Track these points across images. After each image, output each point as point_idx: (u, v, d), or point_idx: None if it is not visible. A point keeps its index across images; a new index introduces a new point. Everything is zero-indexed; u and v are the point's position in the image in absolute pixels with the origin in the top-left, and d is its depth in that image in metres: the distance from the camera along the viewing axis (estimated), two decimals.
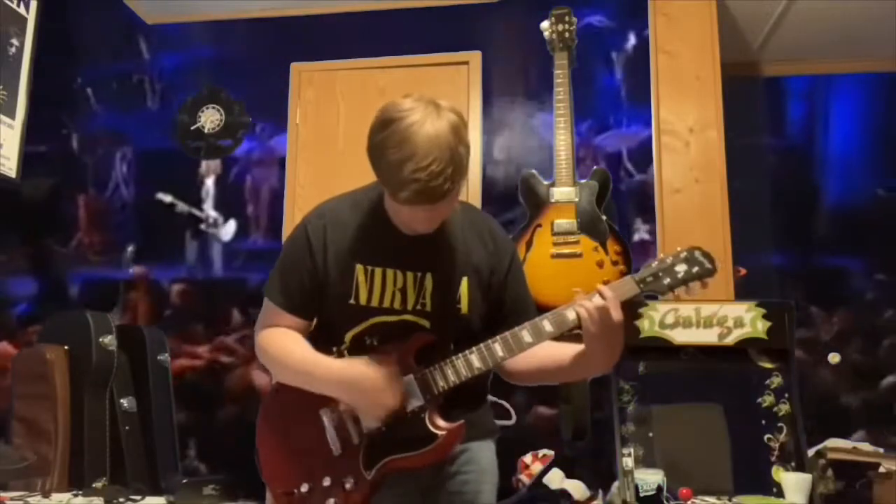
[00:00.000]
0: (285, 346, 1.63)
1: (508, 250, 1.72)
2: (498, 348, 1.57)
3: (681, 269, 1.55)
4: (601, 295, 1.51)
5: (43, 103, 2.91)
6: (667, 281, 1.55)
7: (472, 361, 1.57)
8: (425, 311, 1.61)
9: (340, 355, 1.62)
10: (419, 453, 1.55)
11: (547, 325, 1.56)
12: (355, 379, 1.54)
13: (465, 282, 1.63)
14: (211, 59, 3.68)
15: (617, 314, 1.49)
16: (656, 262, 1.56)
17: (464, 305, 1.63)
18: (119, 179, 3.08)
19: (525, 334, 1.56)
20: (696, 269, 1.54)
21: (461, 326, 1.63)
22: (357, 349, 1.62)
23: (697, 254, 1.56)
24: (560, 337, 1.59)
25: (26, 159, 2.85)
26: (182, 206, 3.09)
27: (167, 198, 3.04)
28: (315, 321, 1.68)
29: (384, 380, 1.53)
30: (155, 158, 3.14)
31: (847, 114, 3.78)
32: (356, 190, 1.71)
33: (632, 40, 3.25)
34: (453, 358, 1.57)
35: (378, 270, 1.61)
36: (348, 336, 1.62)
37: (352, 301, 1.60)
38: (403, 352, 1.58)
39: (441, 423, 1.56)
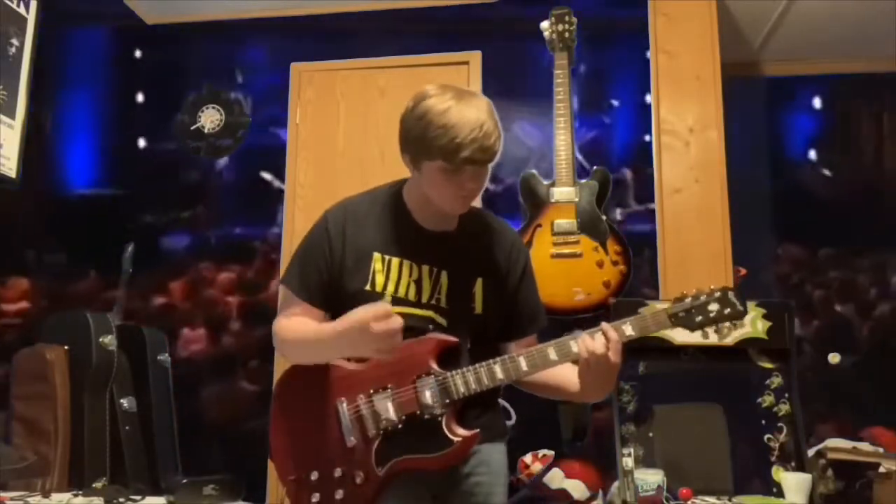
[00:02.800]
0: (296, 326, 1.65)
1: (523, 255, 1.75)
2: (523, 363, 1.57)
3: (713, 308, 1.57)
4: (605, 336, 1.52)
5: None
6: (698, 319, 1.57)
7: (495, 372, 1.57)
8: (440, 306, 1.62)
9: None
10: (433, 456, 1.56)
11: (573, 345, 1.56)
12: (356, 319, 1.49)
13: (479, 282, 1.65)
14: (211, 59, 3.71)
15: (615, 358, 1.51)
16: (689, 299, 1.58)
17: (478, 305, 1.65)
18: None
19: (551, 352, 1.58)
20: (728, 310, 1.56)
21: (475, 326, 1.64)
22: None
23: (731, 295, 1.57)
24: None
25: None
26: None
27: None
28: (332, 317, 1.68)
29: (381, 310, 1.48)
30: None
31: None
32: (377, 187, 1.75)
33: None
34: (477, 366, 1.57)
35: (395, 260, 1.63)
36: None
37: (367, 288, 1.61)
38: (424, 350, 1.58)
39: (458, 429, 1.57)
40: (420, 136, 1.53)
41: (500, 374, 1.57)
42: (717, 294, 1.57)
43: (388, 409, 1.57)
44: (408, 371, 1.58)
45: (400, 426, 1.57)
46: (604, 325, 1.54)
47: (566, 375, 1.63)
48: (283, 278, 1.71)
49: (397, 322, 1.47)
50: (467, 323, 1.63)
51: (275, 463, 1.68)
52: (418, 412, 1.56)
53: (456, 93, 1.54)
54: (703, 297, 1.57)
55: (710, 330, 1.58)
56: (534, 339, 1.74)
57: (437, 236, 1.66)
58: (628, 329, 1.55)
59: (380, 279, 1.62)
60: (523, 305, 1.72)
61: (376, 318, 1.46)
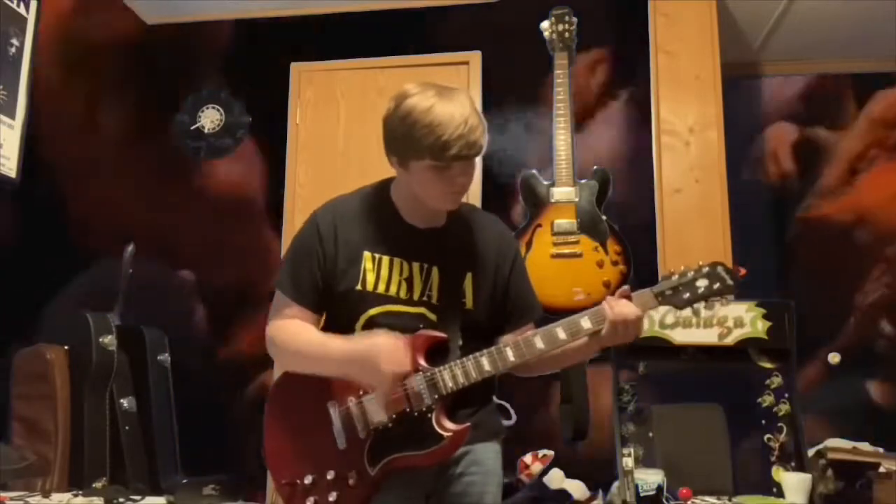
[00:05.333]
0: (293, 332, 1.64)
1: (512, 248, 1.76)
2: (509, 353, 1.58)
3: (702, 284, 1.55)
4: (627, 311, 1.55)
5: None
6: (686, 296, 1.55)
7: (482, 364, 1.57)
8: (431, 303, 1.63)
9: None
10: (424, 453, 1.56)
11: (560, 332, 1.58)
12: (364, 351, 1.52)
13: (469, 277, 1.65)
14: (210, 59, 3.70)
15: (638, 331, 1.55)
16: (677, 276, 1.56)
17: (469, 300, 1.65)
18: None
19: (537, 341, 1.58)
20: (717, 285, 1.55)
21: (467, 320, 1.64)
22: None
23: (720, 269, 1.56)
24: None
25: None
26: None
27: None
28: (325, 317, 1.70)
29: (393, 348, 1.52)
30: None
31: None
32: (364, 187, 1.75)
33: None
34: (464, 359, 1.57)
35: (385, 259, 1.63)
36: (358, 325, 1.63)
37: (358, 287, 1.62)
38: (413, 348, 1.58)
39: (448, 424, 1.57)
40: (406, 136, 1.54)
41: (487, 366, 1.57)
42: (706, 269, 1.56)
43: (378, 410, 1.57)
44: None
45: (390, 425, 1.57)
46: (625, 289, 1.56)
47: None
48: (276, 282, 1.70)
49: (405, 366, 1.52)
50: (458, 318, 1.63)
51: (269, 468, 1.68)
52: (408, 410, 1.56)
53: (437, 90, 1.54)
54: (690, 274, 1.56)
55: (700, 307, 1.55)
56: (530, 328, 1.73)
57: (427, 233, 1.66)
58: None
59: (370, 278, 1.62)
60: (516, 297, 1.72)
61: (390, 361, 1.50)
